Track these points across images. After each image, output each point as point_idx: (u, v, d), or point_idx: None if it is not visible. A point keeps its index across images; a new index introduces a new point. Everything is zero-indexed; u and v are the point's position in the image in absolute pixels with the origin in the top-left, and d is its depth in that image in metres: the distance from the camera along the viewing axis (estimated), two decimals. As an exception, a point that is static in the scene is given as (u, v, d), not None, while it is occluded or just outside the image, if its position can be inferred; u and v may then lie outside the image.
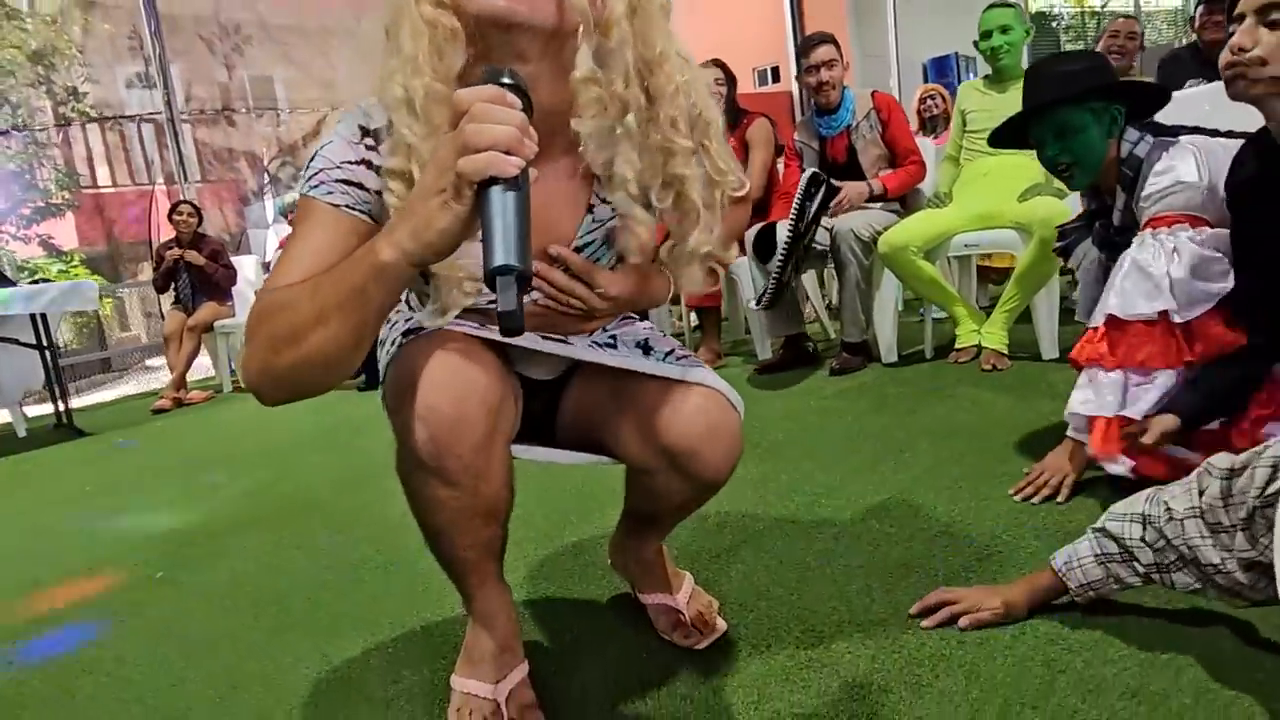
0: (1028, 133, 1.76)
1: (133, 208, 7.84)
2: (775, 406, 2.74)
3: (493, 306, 0.69)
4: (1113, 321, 1.56)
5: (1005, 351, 2.86)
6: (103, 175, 8.13)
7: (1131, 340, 1.54)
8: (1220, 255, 1.48)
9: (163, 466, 3.21)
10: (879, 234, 3.02)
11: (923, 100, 5.27)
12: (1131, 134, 1.66)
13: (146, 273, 7.24)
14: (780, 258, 2.99)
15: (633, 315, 1.19)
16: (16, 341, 4.10)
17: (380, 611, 1.52)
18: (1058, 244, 2.02)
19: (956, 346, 3.03)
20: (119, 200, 8.05)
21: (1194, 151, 1.57)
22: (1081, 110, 1.65)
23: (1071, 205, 2.55)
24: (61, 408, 4.35)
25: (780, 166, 3.61)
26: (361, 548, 1.88)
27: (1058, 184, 2.96)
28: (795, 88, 10.46)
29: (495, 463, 0.95)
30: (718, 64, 3.55)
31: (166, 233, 5.18)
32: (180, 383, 4.84)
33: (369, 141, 0.89)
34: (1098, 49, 3.89)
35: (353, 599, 1.61)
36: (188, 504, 2.54)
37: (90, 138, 7.69)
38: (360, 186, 0.88)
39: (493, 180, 0.67)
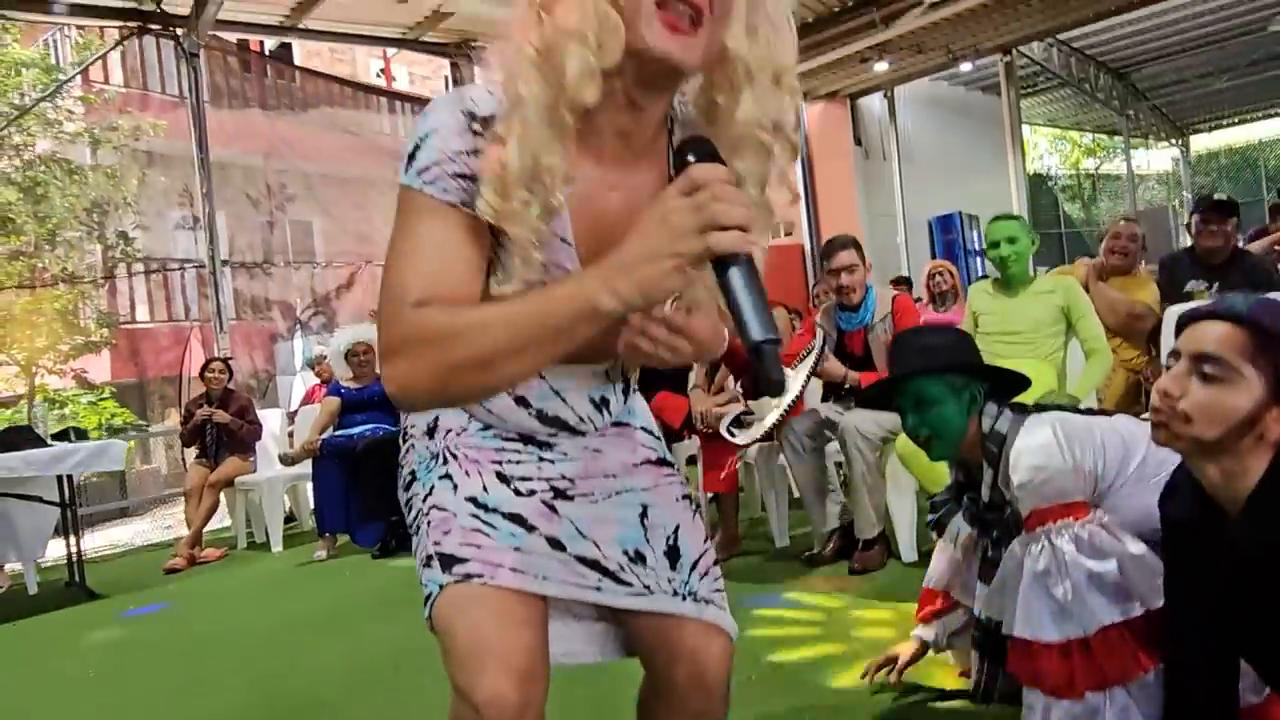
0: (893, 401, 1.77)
1: (168, 348, 8.10)
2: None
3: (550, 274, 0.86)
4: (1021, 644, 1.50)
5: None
6: (141, 313, 8.45)
7: (1040, 664, 1.47)
8: (1112, 564, 1.44)
9: (170, 649, 3.15)
10: (889, 433, 3.07)
11: (931, 276, 5.45)
12: (991, 409, 1.66)
13: (174, 417, 7.40)
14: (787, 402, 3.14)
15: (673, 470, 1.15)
16: (40, 499, 4.15)
17: None
18: (931, 516, 1.98)
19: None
20: (154, 338, 8.33)
21: (1052, 424, 1.56)
22: (939, 383, 1.67)
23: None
24: (75, 561, 4.34)
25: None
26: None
27: (1069, 393, 3.05)
28: (807, 242, 10.87)
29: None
30: (735, 257, 3.73)
31: (197, 373, 5.33)
32: (196, 540, 4.84)
33: (477, 128, 0.86)
34: (1100, 249, 4.06)
35: None
36: (193, 699, 2.48)
37: (134, 280, 8.05)
38: (473, 179, 0.85)
39: (730, 257, 0.73)
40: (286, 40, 8.59)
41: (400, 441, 1.12)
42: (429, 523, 1.01)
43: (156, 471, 8.20)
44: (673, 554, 1.08)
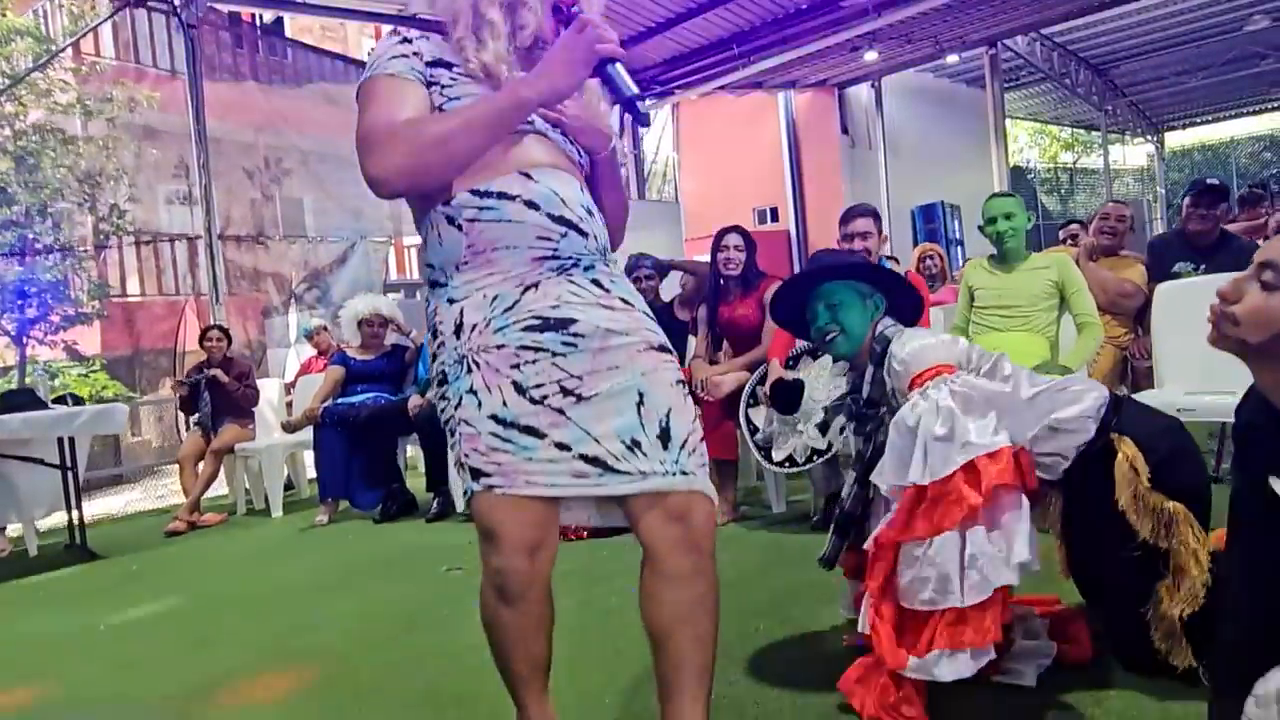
0: (805, 311, 2.01)
1: (160, 319, 8.06)
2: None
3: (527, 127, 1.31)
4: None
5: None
6: (132, 285, 8.38)
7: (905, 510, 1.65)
8: (980, 398, 1.67)
9: (176, 605, 3.16)
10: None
11: (921, 259, 5.61)
12: (887, 320, 1.92)
13: (166, 388, 7.37)
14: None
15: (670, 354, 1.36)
16: (42, 462, 4.17)
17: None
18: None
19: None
20: (147, 310, 8.27)
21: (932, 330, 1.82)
22: (850, 289, 1.93)
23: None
24: (76, 524, 4.37)
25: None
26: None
27: (1061, 364, 3.18)
28: (793, 227, 11.01)
29: (545, 588, 1.33)
30: (738, 230, 3.81)
31: (193, 344, 5.33)
32: (195, 505, 4.87)
33: (410, 45, 1.30)
34: (1090, 228, 4.21)
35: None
36: (206, 652, 2.50)
37: (125, 252, 7.99)
38: (414, 56, 1.29)
39: (609, 60, 1.22)
40: (280, 13, 8.55)
41: (431, 339, 1.34)
42: (461, 434, 1.27)
43: (148, 443, 8.17)
44: (664, 436, 1.27)
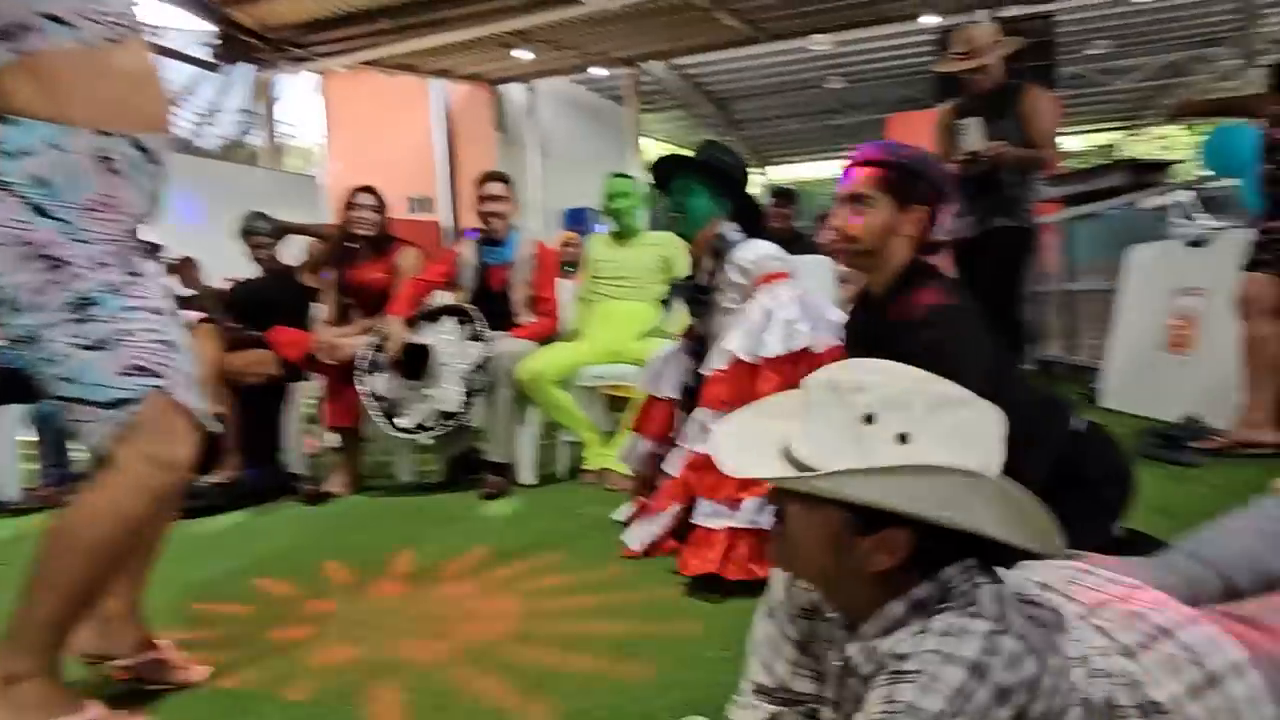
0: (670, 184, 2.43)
1: None
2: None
3: None
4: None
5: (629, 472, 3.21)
6: None
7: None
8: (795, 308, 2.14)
9: None
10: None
11: (563, 247, 5.88)
12: (729, 225, 2.34)
13: None
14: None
15: None
16: None
17: None
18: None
19: (583, 468, 3.33)
20: None
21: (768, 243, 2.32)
22: (703, 183, 2.35)
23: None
24: None
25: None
26: None
27: (670, 328, 3.52)
28: (449, 219, 10.90)
29: None
30: (371, 190, 3.64)
31: None
32: None
33: None
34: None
35: None
36: None
37: None
38: None
39: None
40: None
41: None
42: None
43: None
44: None
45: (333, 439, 3.73)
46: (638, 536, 2.23)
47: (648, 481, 2.45)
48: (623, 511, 2.56)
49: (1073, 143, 15.94)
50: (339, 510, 3.20)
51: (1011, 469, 0.90)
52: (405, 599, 2.10)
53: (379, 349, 3.32)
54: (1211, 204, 3.94)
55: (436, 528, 2.80)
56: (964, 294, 1.62)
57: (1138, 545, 1.46)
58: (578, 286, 3.86)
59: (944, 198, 1.65)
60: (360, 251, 3.61)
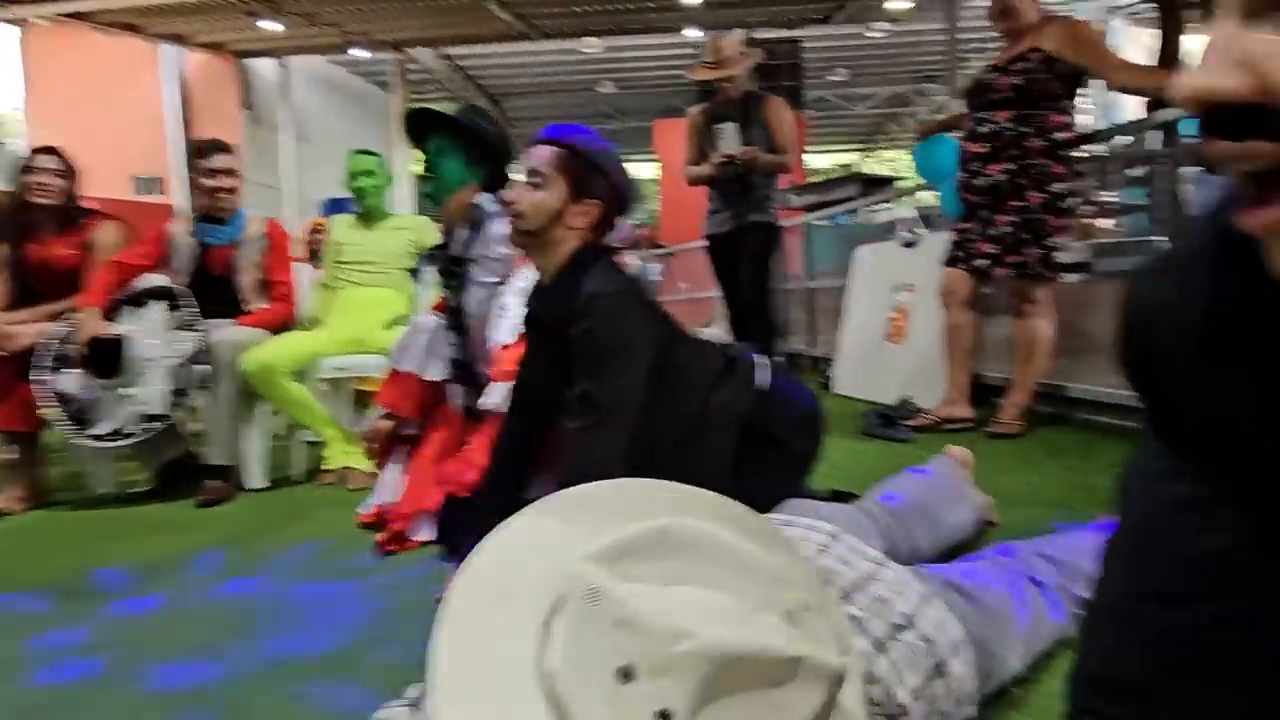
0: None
1: None
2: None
3: None
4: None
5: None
6: None
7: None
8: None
9: None
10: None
11: (311, 233, 5.42)
12: (486, 195, 2.18)
13: None
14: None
15: None
16: None
17: None
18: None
19: (323, 468, 3.05)
20: None
21: None
22: (457, 147, 2.16)
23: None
24: None
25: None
26: None
27: (420, 304, 3.32)
28: (187, 202, 9.75)
29: None
30: (54, 151, 3.09)
31: None
32: None
33: None
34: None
35: None
36: None
37: None
38: None
39: None
40: None
41: None
42: None
43: None
44: None
45: (7, 448, 3.12)
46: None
47: (384, 449, 2.28)
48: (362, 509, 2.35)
49: (819, 161, 17.64)
50: (10, 528, 2.67)
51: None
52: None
53: (66, 341, 2.82)
54: (928, 220, 4.45)
55: (148, 536, 2.40)
56: (626, 278, 1.59)
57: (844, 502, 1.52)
58: (323, 274, 3.54)
59: (621, 203, 1.61)
60: (41, 223, 3.04)
